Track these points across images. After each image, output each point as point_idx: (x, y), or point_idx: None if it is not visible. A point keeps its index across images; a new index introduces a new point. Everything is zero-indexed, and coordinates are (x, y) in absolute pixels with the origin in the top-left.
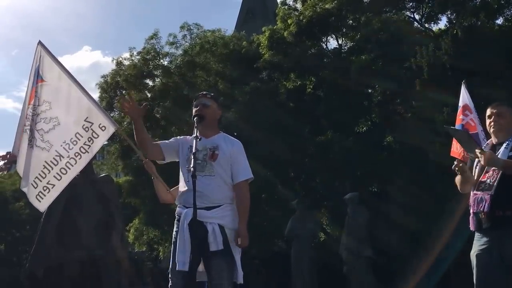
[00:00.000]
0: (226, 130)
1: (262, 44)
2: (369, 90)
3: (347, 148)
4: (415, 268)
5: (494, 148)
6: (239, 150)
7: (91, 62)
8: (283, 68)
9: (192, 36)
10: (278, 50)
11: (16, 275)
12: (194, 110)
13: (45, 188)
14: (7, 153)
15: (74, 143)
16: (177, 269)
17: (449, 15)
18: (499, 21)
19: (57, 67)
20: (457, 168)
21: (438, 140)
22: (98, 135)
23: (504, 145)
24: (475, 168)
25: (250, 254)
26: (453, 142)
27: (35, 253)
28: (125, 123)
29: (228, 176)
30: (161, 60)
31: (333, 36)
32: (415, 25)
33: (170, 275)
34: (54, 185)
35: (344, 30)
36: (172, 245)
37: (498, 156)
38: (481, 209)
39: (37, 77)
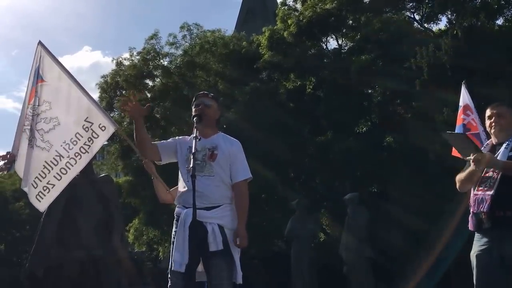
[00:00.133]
0: (226, 130)
1: (262, 44)
2: (369, 90)
3: (347, 148)
4: (416, 268)
5: (494, 148)
6: (238, 149)
7: (91, 62)
8: (283, 68)
9: (192, 36)
10: (278, 50)
11: (16, 275)
12: (194, 110)
13: (45, 188)
14: (7, 153)
15: (74, 143)
16: (172, 269)
17: (449, 15)
18: (499, 21)
19: (57, 67)
20: (472, 161)
21: (438, 140)
22: (98, 135)
23: (504, 145)
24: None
25: (250, 254)
26: None
27: (35, 253)
28: (125, 123)
29: (227, 176)
30: (161, 60)
31: (333, 36)
32: (415, 25)
33: (169, 275)
34: (54, 185)
35: (344, 30)
36: (171, 245)
37: (498, 156)
38: (482, 210)
39: (37, 77)
